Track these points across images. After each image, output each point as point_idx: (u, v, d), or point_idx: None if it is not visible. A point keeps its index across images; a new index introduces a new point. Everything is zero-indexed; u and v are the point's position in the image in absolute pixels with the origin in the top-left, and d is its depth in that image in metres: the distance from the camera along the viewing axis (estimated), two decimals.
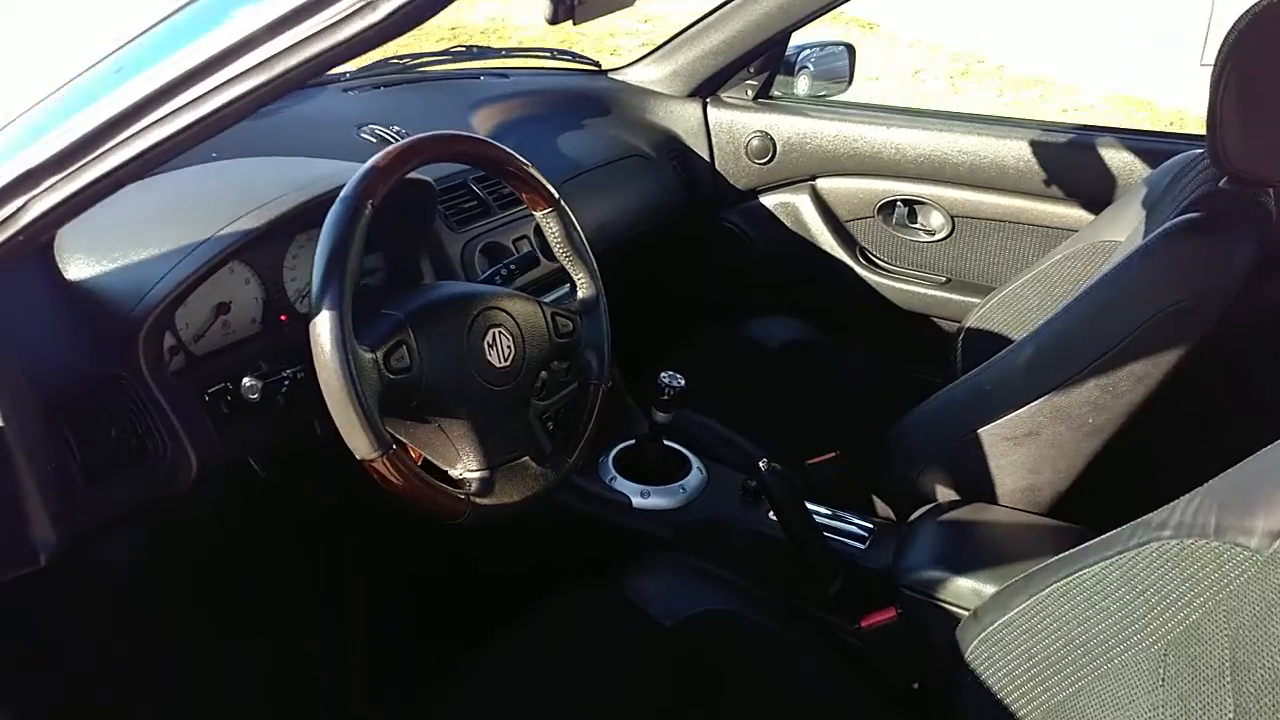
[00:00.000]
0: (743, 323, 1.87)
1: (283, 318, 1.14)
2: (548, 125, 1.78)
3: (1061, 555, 0.88)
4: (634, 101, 1.98)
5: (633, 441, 1.42)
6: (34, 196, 0.71)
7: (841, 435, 1.49)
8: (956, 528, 1.20)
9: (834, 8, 1.76)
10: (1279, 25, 0.98)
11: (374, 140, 1.44)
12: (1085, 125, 1.74)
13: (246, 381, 0.95)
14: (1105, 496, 1.17)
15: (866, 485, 1.39)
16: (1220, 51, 1.00)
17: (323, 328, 0.84)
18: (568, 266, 1.10)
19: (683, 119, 1.98)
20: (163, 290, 0.94)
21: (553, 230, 1.08)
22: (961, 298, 1.83)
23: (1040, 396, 1.16)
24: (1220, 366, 1.13)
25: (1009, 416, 1.19)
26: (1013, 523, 1.20)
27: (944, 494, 1.28)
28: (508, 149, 1.04)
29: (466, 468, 0.96)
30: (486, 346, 0.97)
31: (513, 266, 1.22)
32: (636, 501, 1.36)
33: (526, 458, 1.01)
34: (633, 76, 2.02)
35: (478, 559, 1.50)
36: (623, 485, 1.38)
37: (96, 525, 0.92)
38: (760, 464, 1.20)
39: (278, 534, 1.49)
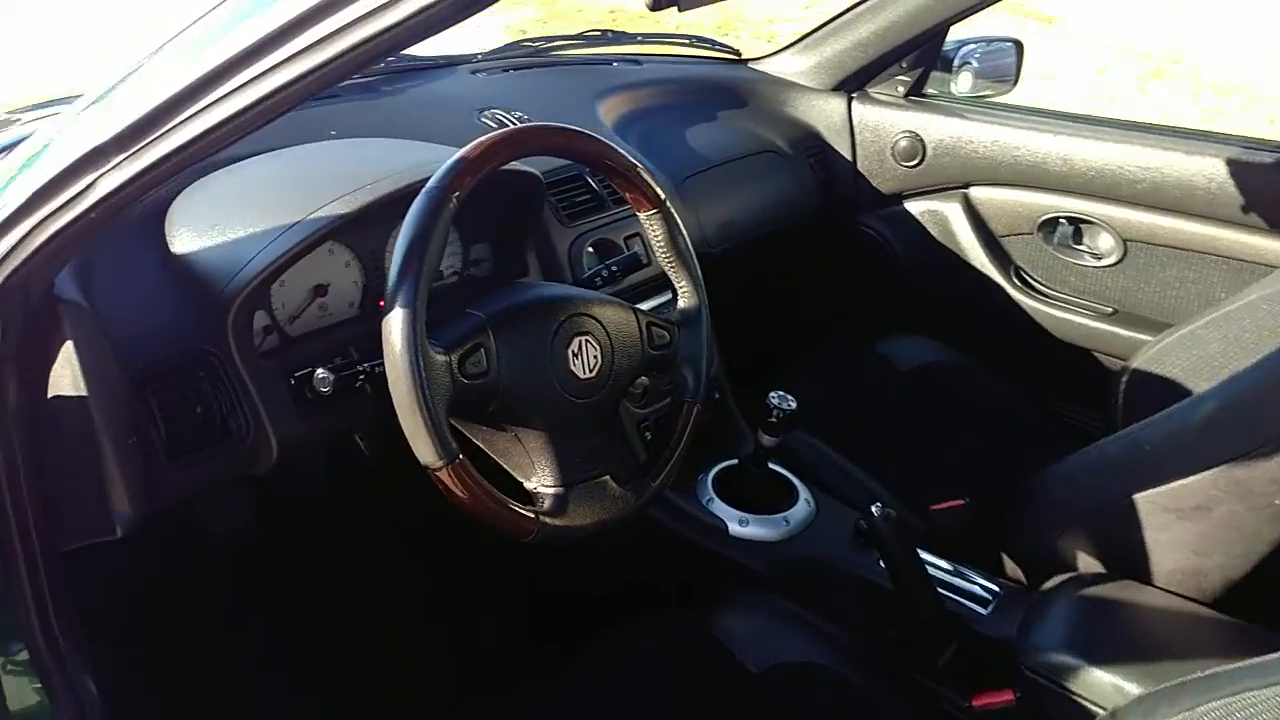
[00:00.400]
0: (873, 339, 1.73)
1: (381, 304, 1.11)
2: (678, 115, 1.71)
3: (1232, 666, 0.72)
4: (773, 94, 1.87)
5: (735, 462, 1.32)
6: (103, 174, 0.70)
7: (974, 478, 1.33)
8: (1098, 606, 1.04)
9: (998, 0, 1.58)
10: None
11: (493, 125, 1.39)
12: None
13: (319, 373, 0.93)
14: None
15: (996, 540, 1.24)
16: None
17: (394, 326, 0.79)
18: (669, 273, 1.01)
19: (825, 114, 1.85)
20: (254, 269, 0.92)
21: (656, 234, 0.99)
22: (1129, 333, 1.63)
23: (1217, 465, 0.98)
24: None
25: (1176, 484, 1.01)
26: (1169, 610, 1.03)
27: (1087, 563, 1.11)
28: (613, 143, 0.96)
29: (541, 482, 0.89)
30: (571, 355, 0.89)
31: (614, 268, 1.14)
32: (733, 529, 1.26)
33: (606, 477, 0.93)
34: (774, 67, 1.91)
35: (559, 565, 1.44)
36: (720, 509, 1.28)
37: (175, 501, 0.91)
38: (874, 509, 1.09)
39: (373, 519, 1.47)
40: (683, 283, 1.01)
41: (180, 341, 0.92)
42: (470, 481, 0.81)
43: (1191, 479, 1.00)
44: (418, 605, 1.50)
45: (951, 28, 1.71)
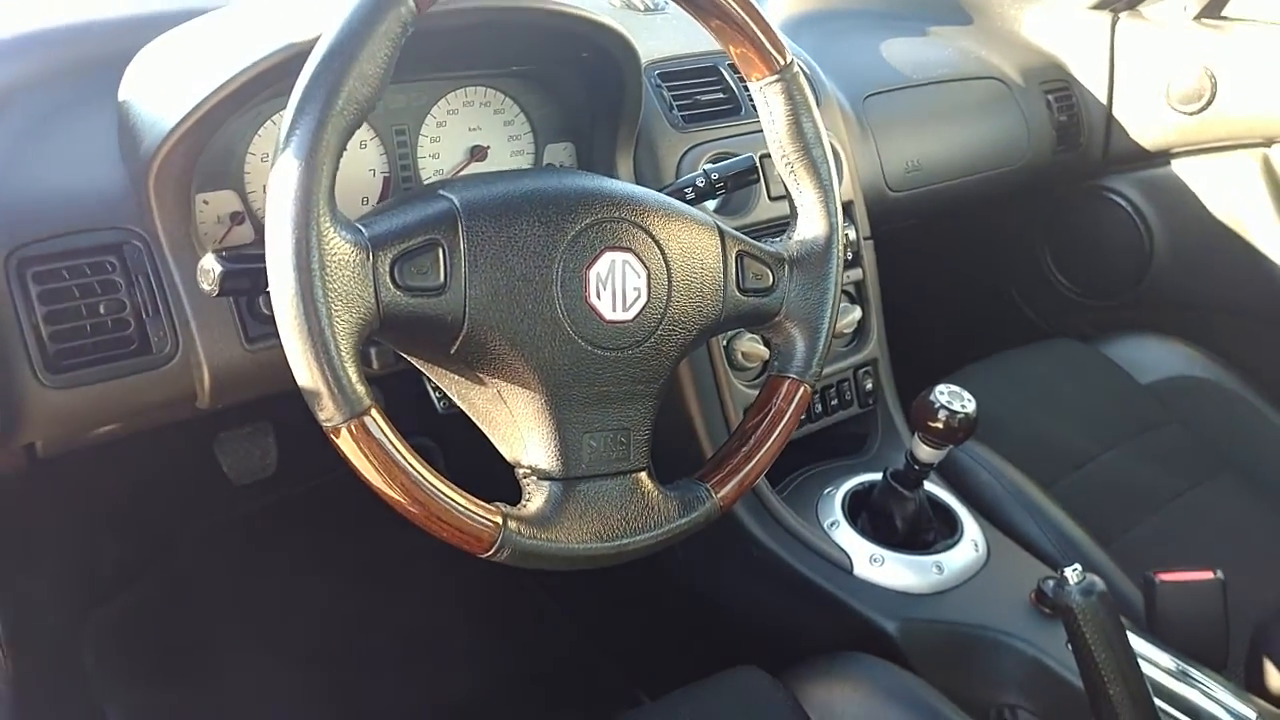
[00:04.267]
0: (1102, 337, 1.42)
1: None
2: (874, 24, 1.42)
3: None
4: (1008, 10, 1.54)
5: (878, 478, 0.98)
6: None
7: (1230, 546, 1.07)
8: None
9: None
10: None
11: (617, 4, 1.09)
12: None
13: (205, 261, 0.62)
14: None
15: (1258, 641, 0.88)
16: None
17: (278, 188, 0.51)
18: (786, 181, 0.68)
19: (1075, 36, 1.50)
20: (179, 114, 0.67)
21: (772, 114, 0.66)
22: None
23: None
24: None
25: None
26: None
27: None
28: None
29: (534, 464, 0.59)
30: (595, 280, 0.58)
31: (715, 177, 0.80)
32: (860, 569, 0.94)
33: (641, 474, 0.62)
34: None
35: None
36: (847, 538, 0.96)
37: (62, 432, 0.69)
38: (1070, 570, 0.77)
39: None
40: (807, 196, 0.67)
41: (94, 214, 0.70)
42: (382, 452, 0.52)
43: None
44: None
45: None
